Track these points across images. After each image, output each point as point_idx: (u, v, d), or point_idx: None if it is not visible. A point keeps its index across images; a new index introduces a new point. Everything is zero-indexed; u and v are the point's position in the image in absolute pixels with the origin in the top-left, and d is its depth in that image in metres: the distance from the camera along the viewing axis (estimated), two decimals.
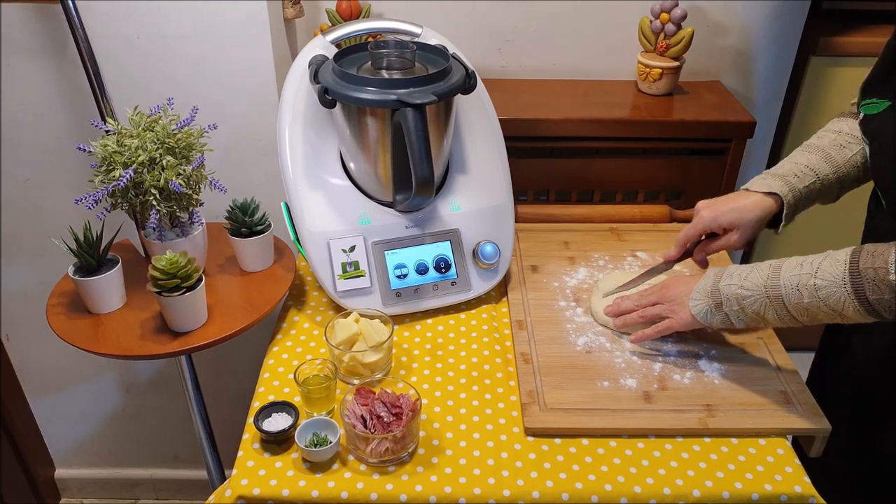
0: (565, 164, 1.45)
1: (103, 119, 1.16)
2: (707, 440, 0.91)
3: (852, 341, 1.04)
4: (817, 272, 0.81)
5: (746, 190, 1.00)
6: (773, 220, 0.99)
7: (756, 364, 1.01)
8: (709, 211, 1.00)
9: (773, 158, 1.79)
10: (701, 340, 1.04)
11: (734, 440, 0.90)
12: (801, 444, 0.95)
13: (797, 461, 0.88)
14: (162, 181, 1.01)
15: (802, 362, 1.06)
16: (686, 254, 1.07)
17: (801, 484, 0.85)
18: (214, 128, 1.09)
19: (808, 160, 0.98)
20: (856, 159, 0.97)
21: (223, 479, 1.39)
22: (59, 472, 1.82)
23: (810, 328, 1.06)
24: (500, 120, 1.18)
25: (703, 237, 1.04)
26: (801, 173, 0.97)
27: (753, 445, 0.90)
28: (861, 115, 0.88)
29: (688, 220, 1.33)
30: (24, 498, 1.73)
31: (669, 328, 0.97)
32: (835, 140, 0.99)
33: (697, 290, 0.93)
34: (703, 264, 1.06)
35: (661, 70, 1.42)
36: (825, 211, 1.08)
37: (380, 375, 0.99)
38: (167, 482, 1.83)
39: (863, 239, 1.03)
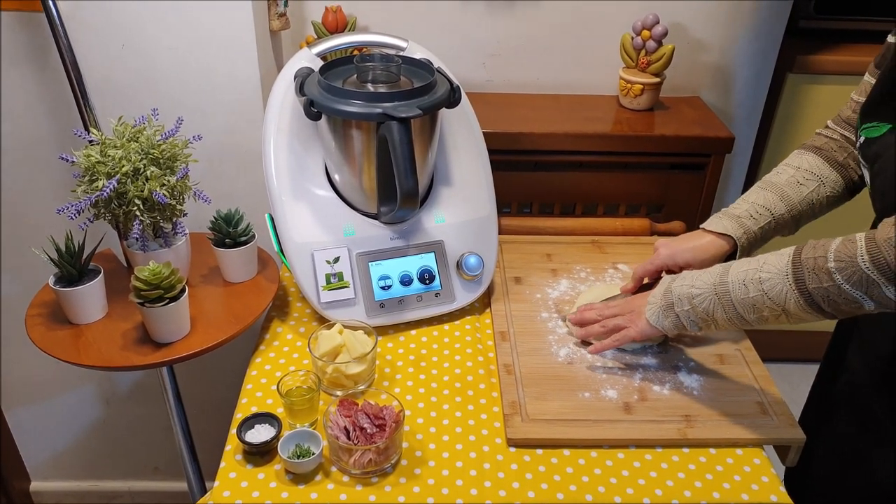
0: (548, 177, 1.46)
1: (86, 129, 1.16)
2: (686, 450, 0.92)
3: (849, 355, 1.05)
4: (763, 266, 0.84)
5: (703, 230, 1.04)
6: (730, 257, 1.03)
7: (734, 376, 1.02)
8: (667, 249, 1.05)
9: (752, 172, 1.83)
10: (680, 352, 1.06)
11: (712, 450, 0.92)
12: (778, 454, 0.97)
13: (773, 471, 0.90)
14: (146, 192, 1.00)
15: (806, 374, 1.07)
16: (645, 287, 1.09)
17: (777, 493, 0.86)
18: (199, 139, 1.09)
19: (765, 200, 1.02)
20: (811, 197, 1.02)
21: (204, 491, 1.38)
22: (35, 485, 1.79)
23: (814, 340, 1.08)
24: (485, 133, 1.19)
25: (661, 274, 1.07)
26: (757, 214, 1.02)
27: (731, 455, 0.91)
28: (861, 139, 0.89)
29: (668, 234, 1.36)
30: None
31: (626, 337, 0.99)
32: (793, 177, 1.03)
33: (652, 295, 0.97)
34: None
35: (642, 86, 1.45)
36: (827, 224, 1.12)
37: (363, 387, 0.99)
38: (146, 494, 1.81)
39: None
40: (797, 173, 1.03)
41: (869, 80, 0.98)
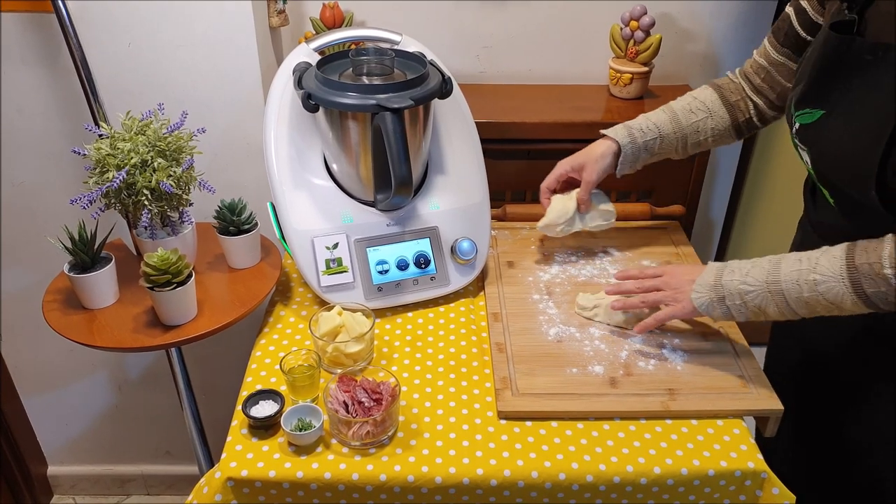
0: (542, 165, 1.49)
1: (97, 124, 1.21)
2: (668, 422, 0.96)
3: (807, 333, 1.10)
4: (816, 268, 0.88)
5: (601, 133, 1.19)
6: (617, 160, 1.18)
7: (717, 352, 1.07)
8: (565, 159, 1.22)
9: (743, 160, 1.86)
10: (665, 329, 1.10)
11: (694, 421, 0.96)
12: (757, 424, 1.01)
13: (752, 440, 0.94)
14: (153, 182, 1.06)
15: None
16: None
17: (754, 460, 0.91)
18: (203, 131, 1.14)
19: (658, 119, 1.17)
20: (697, 125, 1.16)
21: None
22: (52, 469, 1.86)
23: (762, 325, 1.15)
24: (479, 123, 1.23)
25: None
26: (647, 129, 1.16)
27: (711, 426, 0.96)
28: (797, 126, 0.94)
29: (667, 217, 1.41)
30: (16, 495, 1.76)
31: (671, 316, 1.01)
32: (688, 104, 1.17)
33: (700, 283, 0.98)
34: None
35: (631, 75, 1.49)
36: (788, 209, 1.17)
37: (362, 365, 1.04)
38: (158, 478, 1.87)
39: (802, 237, 1.10)
40: (693, 102, 1.17)
41: (768, 46, 1.07)
